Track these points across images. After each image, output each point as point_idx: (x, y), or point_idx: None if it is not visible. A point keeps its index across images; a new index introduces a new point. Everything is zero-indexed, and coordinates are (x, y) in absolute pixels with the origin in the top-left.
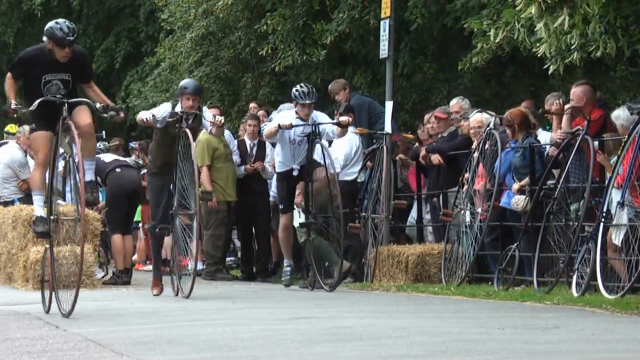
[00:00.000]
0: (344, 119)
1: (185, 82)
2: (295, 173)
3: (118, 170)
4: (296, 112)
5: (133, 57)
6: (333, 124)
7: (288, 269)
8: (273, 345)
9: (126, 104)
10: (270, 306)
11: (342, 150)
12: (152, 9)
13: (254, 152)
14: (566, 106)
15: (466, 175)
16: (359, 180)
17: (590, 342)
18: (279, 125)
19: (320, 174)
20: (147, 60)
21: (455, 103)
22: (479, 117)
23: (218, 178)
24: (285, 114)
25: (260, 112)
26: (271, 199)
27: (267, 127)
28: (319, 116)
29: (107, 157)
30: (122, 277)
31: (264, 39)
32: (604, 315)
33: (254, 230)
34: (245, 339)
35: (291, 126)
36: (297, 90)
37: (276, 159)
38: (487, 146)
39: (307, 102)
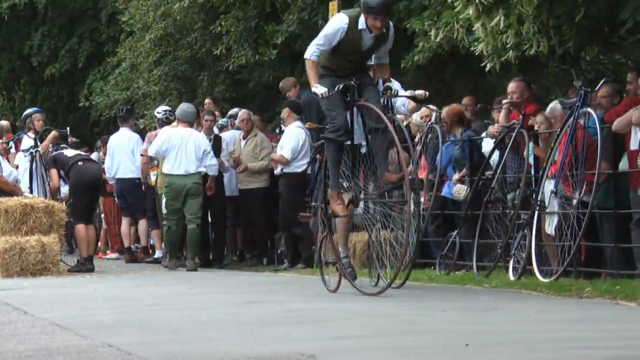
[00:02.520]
0: (420, 92)
1: None
2: (363, 150)
3: (80, 163)
4: None
5: (95, 57)
6: (407, 97)
7: (346, 260)
8: (229, 328)
9: (89, 101)
10: (226, 291)
11: (289, 144)
12: (113, 11)
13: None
14: (503, 101)
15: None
16: (308, 172)
17: (527, 323)
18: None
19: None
20: (108, 60)
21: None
22: (423, 111)
23: None
24: None
25: (216, 113)
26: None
27: None
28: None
29: (70, 152)
30: (86, 265)
31: (219, 39)
32: (540, 298)
33: (210, 220)
34: (202, 322)
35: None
36: None
37: None
38: (428, 139)
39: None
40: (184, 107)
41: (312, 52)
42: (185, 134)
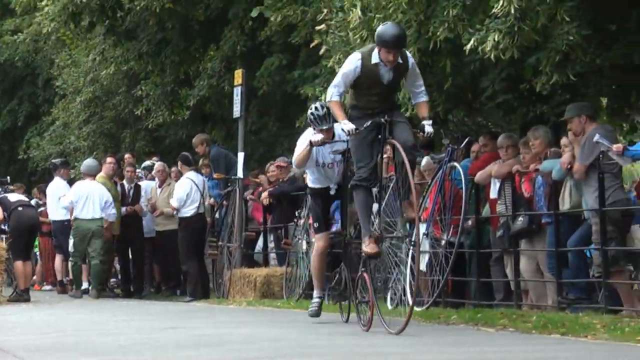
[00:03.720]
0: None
1: (383, 28)
2: (332, 192)
3: (20, 208)
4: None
5: (33, 116)
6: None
7: (317, 300)
8: (148, 351)
9: (27, 154)
10: (145, 319)
11: (176, 194)
12: (49, 77)
13: (131, 194)
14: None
15: (302, 211)
16: (217, 216)
17: (404, 346)
18: (310, 142)
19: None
20: (44, 119)
21: None
22: None
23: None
24: (307, 135)
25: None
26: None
27: (297, 152)
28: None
29: (13, 197)
30: (23, 296)
31: (140, 101)
32: (413, 324)
33: (131, 257)
34: (124, 346)
35: (324, 143)
36: (312, 114)
37: (308, 178)
38: None
39: (325, 127)
40: (87, 162)
41: (331, 94)
42: (90, 186)
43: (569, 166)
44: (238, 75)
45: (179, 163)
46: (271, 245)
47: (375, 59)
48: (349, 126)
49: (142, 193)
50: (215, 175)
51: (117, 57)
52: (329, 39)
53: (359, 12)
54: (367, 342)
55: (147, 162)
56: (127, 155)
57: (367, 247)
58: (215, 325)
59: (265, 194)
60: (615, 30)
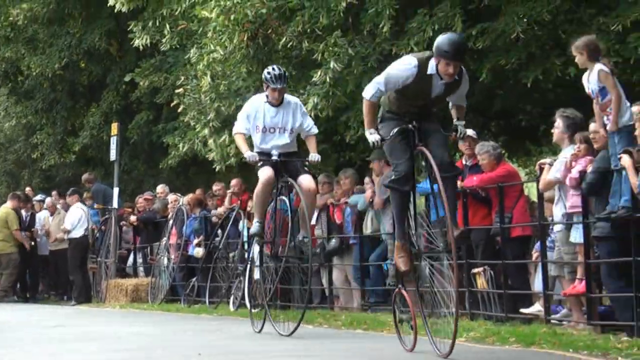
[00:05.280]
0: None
1: (442, 38)
2: (274, 158)
3: None
4: (266, 96)
5: None
6: (302, 161)
7: (258, 224)
8: (42, 344)
9: None
10: (40, 318)
11: (68, 220)
12: None
13: (27, 220)
14: (228, 191)
15: (163, 234)
16: (96, 237)
17: (245, 339)
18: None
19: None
20: None
21: (160, 188)
22: (173, 197)
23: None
24: (256, 99)
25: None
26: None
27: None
28: (295, 110)
29: None
30: None
31: (36, 147)
32: (248, 322)
33: (27, 271)
34: (22, 340)
35: (255, 163)
36: (268, 73)
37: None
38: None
39: (278, 86)
40: None
41: (372, 93)
42: None
43: (370, 199)
44: (114, 127)
45: (72, 195)
46: (139, 260)
47: (431, 70)
48: (374, 137)
49: (37, 220)
50: (96, 206)
51: (18, 113)
52: (185, 99)
53: (209, 79)
54: (211, 338)
55: (37, 197)
56: (27, 189)
57: (400, 258)
58: (95, 324)
59: (133, 218)
60: None
